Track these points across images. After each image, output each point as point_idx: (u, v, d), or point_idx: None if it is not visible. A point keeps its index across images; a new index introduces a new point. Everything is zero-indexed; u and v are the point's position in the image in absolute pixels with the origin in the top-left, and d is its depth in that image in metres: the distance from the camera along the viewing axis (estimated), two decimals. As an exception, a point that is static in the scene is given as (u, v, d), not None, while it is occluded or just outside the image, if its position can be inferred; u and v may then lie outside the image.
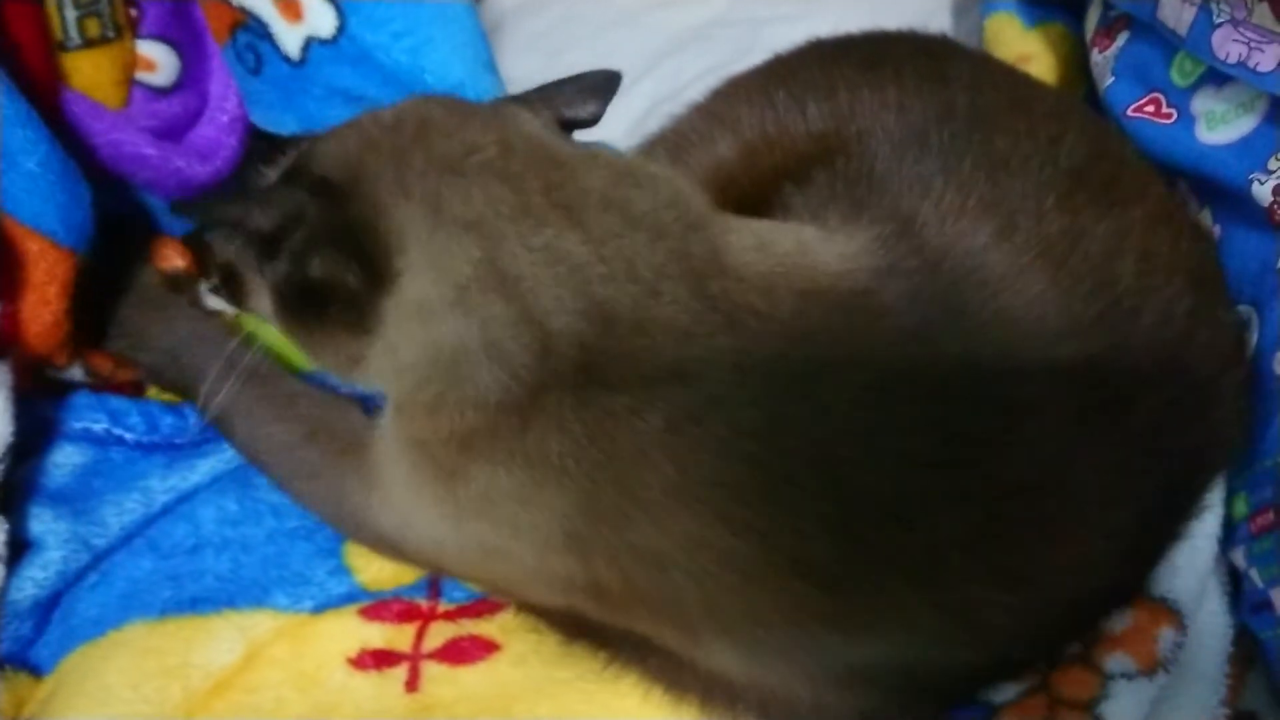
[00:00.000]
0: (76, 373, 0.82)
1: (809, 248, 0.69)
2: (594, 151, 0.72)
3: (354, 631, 0.75)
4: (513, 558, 0.67)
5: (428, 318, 0.65)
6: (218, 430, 0.80)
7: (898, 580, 0.62)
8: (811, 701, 0.66)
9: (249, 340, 0.77)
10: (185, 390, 0.82)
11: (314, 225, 0.66)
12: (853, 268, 0.68)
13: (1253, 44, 0.72)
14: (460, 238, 0.64)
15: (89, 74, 0.78)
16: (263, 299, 0.72)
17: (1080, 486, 0.64)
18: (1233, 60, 0.73)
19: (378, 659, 0.74)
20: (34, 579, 0.74)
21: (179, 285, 0.85)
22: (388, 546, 0.76)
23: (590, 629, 0.71)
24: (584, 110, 0.76)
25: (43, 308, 0.74)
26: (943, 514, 0.62)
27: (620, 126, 1.10)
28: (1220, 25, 0.74)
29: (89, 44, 0.78)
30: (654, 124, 1.04)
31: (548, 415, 0.63)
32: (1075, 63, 0.97)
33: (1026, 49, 0.99)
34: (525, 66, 1.20)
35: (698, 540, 0.61)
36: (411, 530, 0.71)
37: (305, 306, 0.68)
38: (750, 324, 0.63)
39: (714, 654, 0.66)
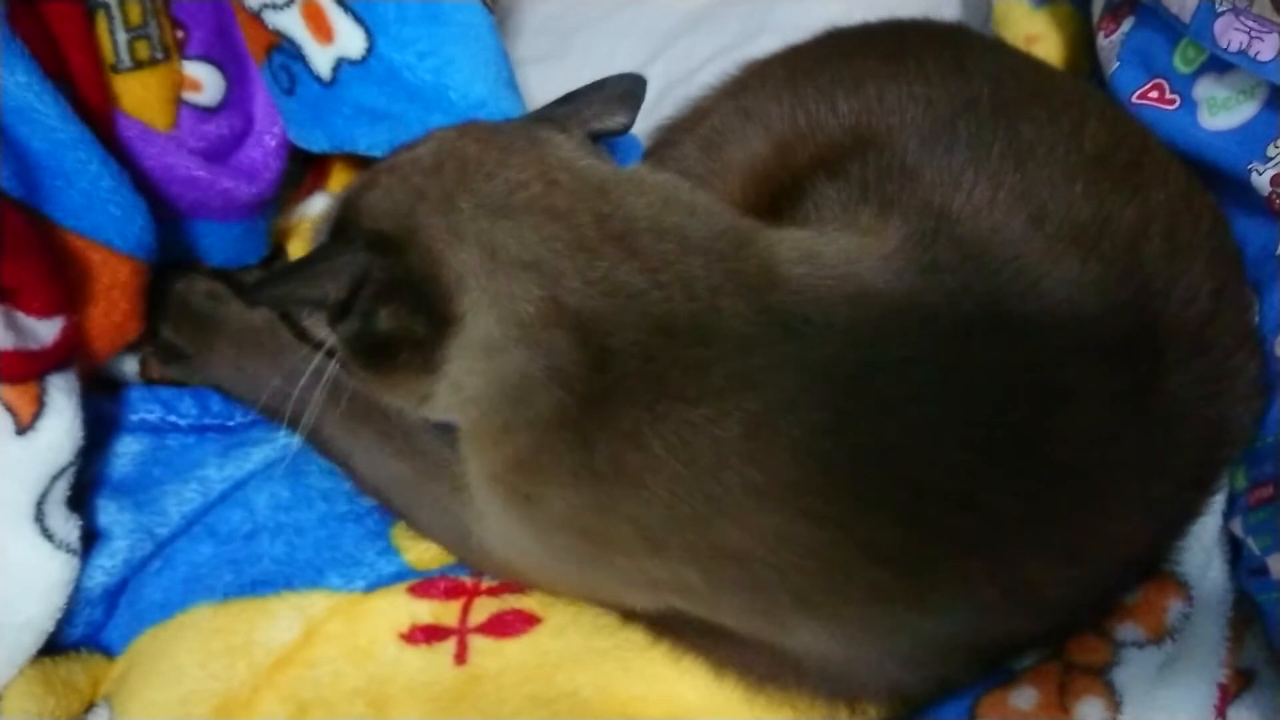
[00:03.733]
0: (131, 366, 0.86)
1: (851, 254, 0.71)
2: (633, 174, 0.74)
3: (404, 608, 0.79)
4: (603, 564, 0.70)
5: (493, 354, 0.67)
6: (333, 461, 0.83)
7: (962, 559, 0.66)
8: (882, 677, 0.70)
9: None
10: (290, 422, 0.82)
11: (379, 283, 0.68)
12: (896, 269, 0.70)
13: (1253, 33, 0.74)
14: (520, 278, 0.67)
15: (139, 94, 0.81)
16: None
17: (1122, 463, 0.68)
18: (1234, 48, 0.76)
19: (428, 634, 0.78)
20: (103, 567, 0.78)
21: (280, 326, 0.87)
22: (512, 574, 0.79)
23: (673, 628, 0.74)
24: (613, 121, 0.78)
25: (112, 310, 0.79)
26: (1000, 496, 0.65)
27: None
28: (1222, 13, 0.76)
29: (139, 66, 0.80)
30: (668, 107, 1.06)
31: (621, 432, 0.65)
32: (1082, 44, 0.99)
33: (1034, 29, 1.01)
34: (538, 48, 1.22)
35: (780, 535, 0.65)
36: (517, 555, 0.74)
37: (377, 355, 0.70)
38: (809, 333, 0.66)
39: (800, 636, 0.69)
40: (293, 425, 0.80)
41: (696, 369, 0.65)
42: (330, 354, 0.73)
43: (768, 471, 0.64)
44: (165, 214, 0.84)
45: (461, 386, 0.69)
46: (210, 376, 0.87)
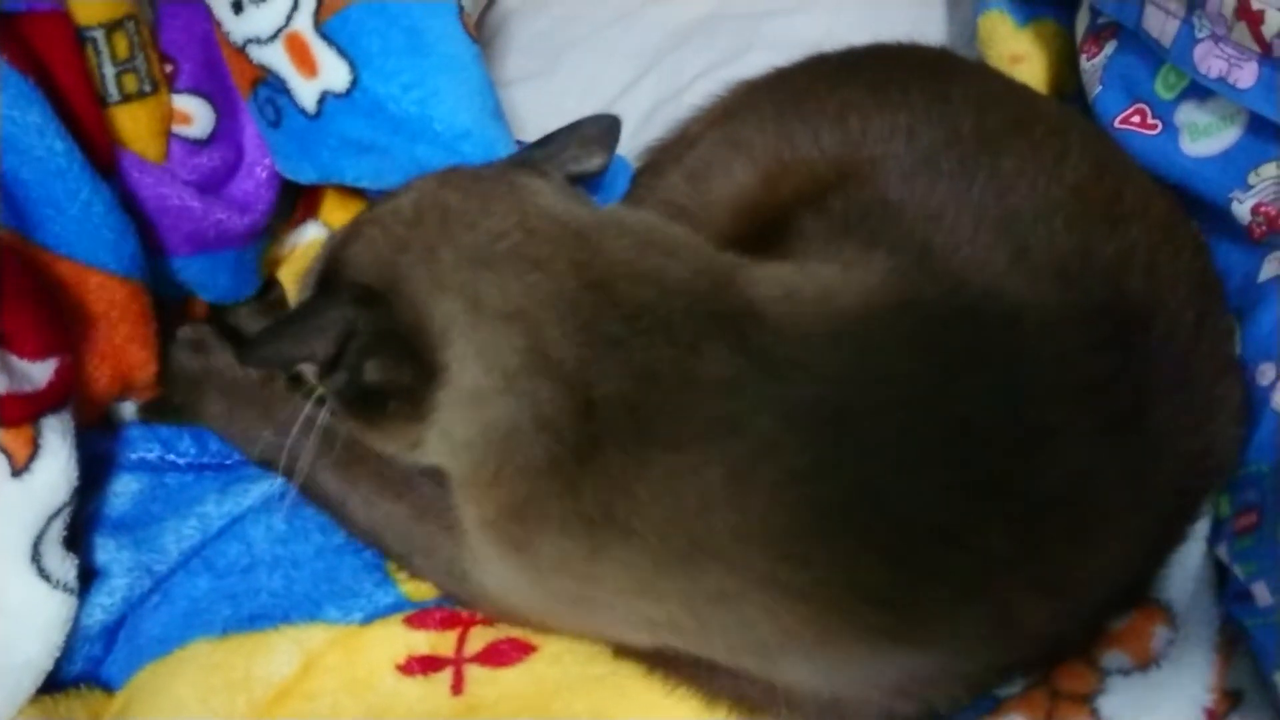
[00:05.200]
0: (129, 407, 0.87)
1: (832, 289, 0.72)
2: (612, 216, 0.75)
3: (401, 639, 0.80)
4: (598, 604, 0.71)
5: (480, 404, 0.69)
6: (327, 509, 0.83)
7: (949, 596, 0.66)
8: (876, 708, 0.71)
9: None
10: (285, 471, 0.82)
11: (365, 336, 0.69)
12: (877, 304, 0.70)
13: (1233, 60, 0.75)
14: (503, 329, 0.68)
15: (128, 128, 0.82)
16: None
17: (1106, 496, 0.69)
18: (1214, 75, 0.76)
19: (424, 664, 0.79)
20: (102, 605, 0.79)
21: (273, 376, 0.88)
22: (505, 614, 0.79)
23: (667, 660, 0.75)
24: (590, 164, 0.80)
25: (112, 334, 0.80)
26: (985, 534, 0.66)
27: (624, 129, 1.11)
28: (1202, 40, 0.77)
29: (127, 99, 0.81)
30: (656, 126, 1.07)
31: (609, 479, 0.66)
32: (1068, 60, 0.99)
33: (1019, 48, 1.01)
34: (527, 67, 1.23)
35: (766, 577, 0.65)
36: (512, 596, 0.75)
37: (366, 405, 0.72)
38: (790, 374, 0.67)
39: (788, 671, 0.70)
40: (288, 475, 0.81)
41: (680, 415, 0.66)
42: (321, 402, 0.74)
43: (753, 515, 0.65)
44: (161, 248, 0.85)
45: (451, 435, 0.71)
46: (205, 427, 0.87)
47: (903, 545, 0.65)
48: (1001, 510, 0.66)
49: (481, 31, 1.18)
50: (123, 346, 0.81)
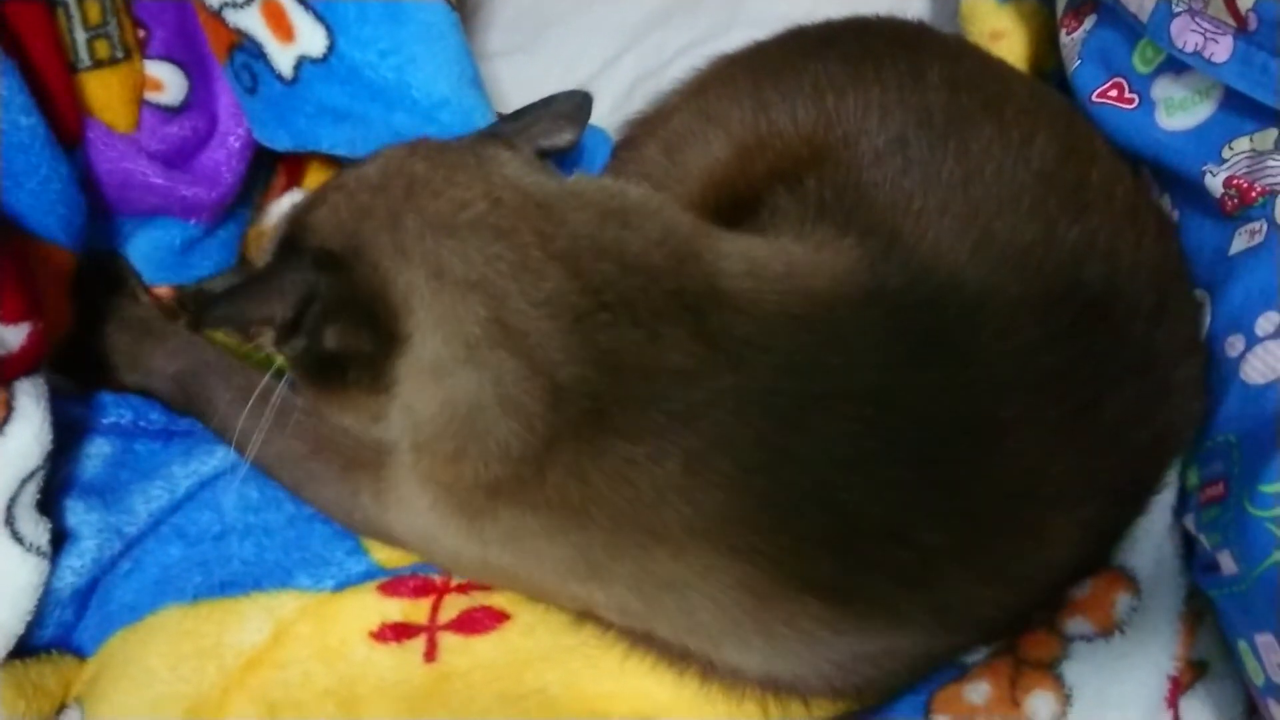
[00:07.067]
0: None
1: (798, 269, 0.72)
2: (578, 187, 0.75)
3: (374, 607, 0.80)
4: (534, 581, 0.72)
5: (441, 375, 0.68)
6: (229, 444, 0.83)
7: (895, 590, 0.66)
8: (817, 683, 0.71)
9: (258, 362, 0.79)
10: (198, 414, 0.85)
11: (325, 301, 0.69)
12: (842, 291, 0.70)
13: (1208, 34, 0.75)
14: (466, 298, 0.68)
15: (99, 94, 0.81)
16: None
17: (1058, 487, 0.69)
18: (1190, 49, 0.76)
19: (397, 632, 0.79)
20: (72, 568, 0.79)
21: (173, 313, 0.89)
22: (401, 545, 0.80)
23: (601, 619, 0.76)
24: (560, 139, 0.79)
25: (63, 303, 0.80)
26: (934, 528, 0.66)
27: (605, 104, 1.13)
28: (1179, 14, 0.77)
29: (98, 65, 0.81)
30: (638, 101, 1.07)
31: (566, 466, 0.66)
32: (1047, 38, 0.99)
33: (999, 25, 1.01)
34: (510, 41, 1.23)
35: (714, 568, 0.65)
36: (433, 544, 0.76)
37: (325, 373, 0.72)
38: (749, 359, 0.66)
39: (730, 654, 0.71)
40: (203, 418, 0.82)
41: (638, 406, 0.66)
42: (279, 375, 0.73)
43: (705, 508, 0.65)
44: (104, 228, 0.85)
45: (413, 408, 0.70)
46: (106, 365, 0.87)
47: (849, 539, 0.65)
48: (951, 506, 0.66)
49: (465, 5, 1.17)
50: (53, 308, 0.80)
